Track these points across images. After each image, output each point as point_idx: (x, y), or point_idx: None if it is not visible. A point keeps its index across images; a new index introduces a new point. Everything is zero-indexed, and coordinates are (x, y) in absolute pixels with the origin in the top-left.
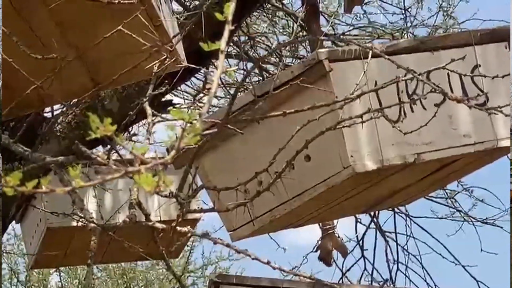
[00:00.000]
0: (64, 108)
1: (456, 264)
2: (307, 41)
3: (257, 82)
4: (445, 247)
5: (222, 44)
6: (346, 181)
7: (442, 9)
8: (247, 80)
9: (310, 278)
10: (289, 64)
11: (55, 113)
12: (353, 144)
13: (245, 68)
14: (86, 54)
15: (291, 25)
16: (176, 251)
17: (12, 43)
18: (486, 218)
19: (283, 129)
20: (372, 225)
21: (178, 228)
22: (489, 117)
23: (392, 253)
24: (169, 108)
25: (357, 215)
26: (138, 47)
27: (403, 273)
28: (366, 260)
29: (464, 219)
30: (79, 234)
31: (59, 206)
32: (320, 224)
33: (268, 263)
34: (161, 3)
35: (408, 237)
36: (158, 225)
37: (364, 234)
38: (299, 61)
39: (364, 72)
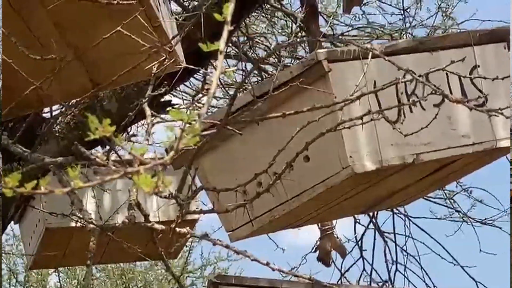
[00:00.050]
0: (63, 109)
1: (455, 265)
2: (306, 42)
3: (256, 83)
4: (444, 248)
5: (221, 44)
6: (345, 181)
7: (441, 10)
8: (246, 80)
9: (309, 279)
10: (288, 64)
11: (54, 113)
12: (352, 145)
13: (244, 68)
14: (85, 54)
15: (290, 25)
16: (175, 251)
17: (11, 44)
18: (485, 219)
19: (282, 130)
20: (371, 225)
21: (177, 229)
22: (488, 117)
23: (391, 254)
24: (168, 109)
25: (356, 216)
26: (137, 48)
27: (402, 273)
28: (365, 261)
29: (463, 219)
30: (78, 235)
31: (58, 207)
32: (319, 224)
33: (267, 264)
34: (160, 4)
35: (407, 238)
36: (157, 226)
37: (363, 234)
38: (298, 61)
39: (364, 73)
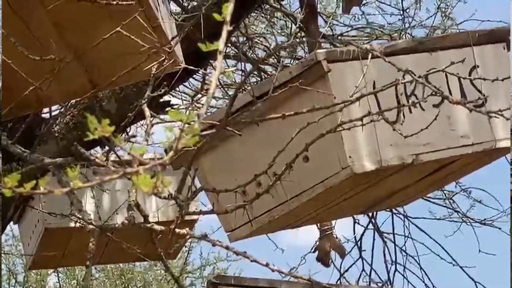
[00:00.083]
0: (62, 109)
1: (454, 265)
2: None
3: (255, 83)
4: (443, 248)
5: (220, 44)
6: (345, 181)
7: (440, 10)
8: (246, 81)
9: (308, 280)
10: (288, 64)
11: (53, 114)
12: (351, 145)
13: (243, 69)
14: (85, 55)
15: (289, 25)
16: (174, 252)
17: (10, 44)
18: (484, 219)
19: (282, 131)
20: (370, 226)
21: (177, 229)
22: (488, 118)
23: (390, 254)
24: (167, 109)
25: (355, 216)
26: (136, 48)
27: (401, 274)
28: (364, 261)
29: (462, 220)
30: (77, 235)
31: (57, 207)
32: (318, 224)
33: (267, 265)
34: (159, 4)
35: (406, 238)
36: (156, 226)
37: (362, 235)
38: (297, 61)
39: (364, 74)
